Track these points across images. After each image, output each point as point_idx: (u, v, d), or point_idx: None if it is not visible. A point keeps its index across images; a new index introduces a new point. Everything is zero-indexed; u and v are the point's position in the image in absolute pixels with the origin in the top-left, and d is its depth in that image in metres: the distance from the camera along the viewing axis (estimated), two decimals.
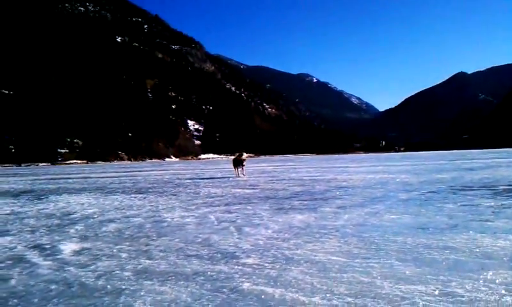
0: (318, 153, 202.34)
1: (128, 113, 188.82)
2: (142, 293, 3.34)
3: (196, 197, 11.14)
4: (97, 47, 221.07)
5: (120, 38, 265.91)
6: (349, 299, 3.00)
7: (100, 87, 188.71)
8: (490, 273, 3.50)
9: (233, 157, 21.54)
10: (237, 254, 4.57)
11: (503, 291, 3.05)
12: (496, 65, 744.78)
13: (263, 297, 3.13)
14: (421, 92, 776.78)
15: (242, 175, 19.73)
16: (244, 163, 19.81)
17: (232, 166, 21.23)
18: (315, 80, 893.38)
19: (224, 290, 3.33)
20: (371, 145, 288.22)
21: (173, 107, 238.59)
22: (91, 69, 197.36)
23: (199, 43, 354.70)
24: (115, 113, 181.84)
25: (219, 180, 19.32)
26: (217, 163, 74.74)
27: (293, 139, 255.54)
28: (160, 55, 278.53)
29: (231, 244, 5.05)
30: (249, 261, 4.24)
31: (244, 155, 19.97)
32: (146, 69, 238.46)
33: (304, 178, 18.26)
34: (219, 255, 4.54)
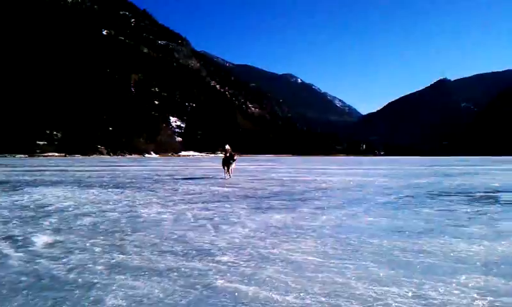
0: (300, 155, 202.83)
1: (110, 107, 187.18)
2: (114, 288, 3.29)
3: (174, 194, 11.07)
4: (82, 38, 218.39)
5: (106, 30, 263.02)
6: (323, 299, 2.98)
7: (83, 80, 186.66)
8: (463, 277, 3.52)
9: (222, 156, 18.52)
10: (212, 251, 4.54)
11: (475, 295, 3.07)
12: (479, 73, 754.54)
13: (236, 294, 3.10)
14: (403, 97, 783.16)
15: (228, 176, 17.57)
16: (233, 161, 17.65)
17: (221, 166, 18.33)
18: (299, 81, 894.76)
19: (197, 286, 3.30)
20: (352, 148, 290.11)
21: (156, 102, 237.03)
22: (75, 61, 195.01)
23: (185, 40, 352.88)
24: (97, 106, 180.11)
25: (198, 177, 19.26)
26: (198, 160, 74.57)
27: (275, 139, 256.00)
28: (146, 50, 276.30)
29: (207, 241, 5.02)
30: (225, 258, 4.21)
31: (231, 152, 17.68)
32: (131, 63, 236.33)
33: (285, 178, 18.29)
34: (194, 252, 4.50)
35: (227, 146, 17.88)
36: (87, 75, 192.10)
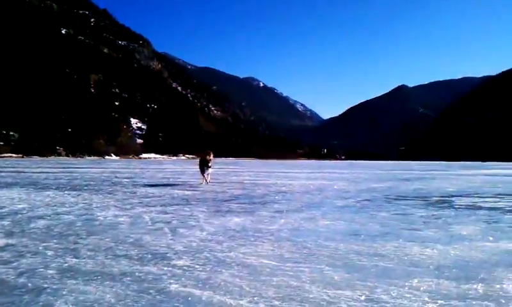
0: (261, 158, 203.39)
1: (69, 108, 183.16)
2: (64, 293, 3.20)
3: (132, 197, 10.92)
4: (40, 37, 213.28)
5: (64, 30, 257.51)
6: (276, 303, 2.99)
7: (41, 79, 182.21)
8: (415, 281, 3.58)
9: (199, 158, 16.89)
10: (168, 255, 4.48)
11: (426, 298, 3.13)
12: (437, 80, 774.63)
13: (190, 299, 3.07)
14: (363, 103, 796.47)
15: (205, 181, 15.87)
16: (210, 164, 15.83)
17: (199, 169, 16.40)
18: (261, 85, 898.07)
19: (150, 291, 3.25)
20: (313, 152, 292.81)
21: (116, 104, 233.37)
22: (33, 60, 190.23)
23: (146, 40, 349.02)
24: (55, 107, 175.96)
25: (158, 179, 19.08)
26: (159, 163, 73.82)
27: (237, 142, 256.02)
28: (106, 51, 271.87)
29: (163, 245, 4.95)
30: (180, 262, 4.17)
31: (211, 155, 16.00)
32: (90, 63, 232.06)
33: (245, 181, 18.31)
34: (149, 256, 4.44)
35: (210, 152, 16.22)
36: (45, 74, 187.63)
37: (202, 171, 15.96)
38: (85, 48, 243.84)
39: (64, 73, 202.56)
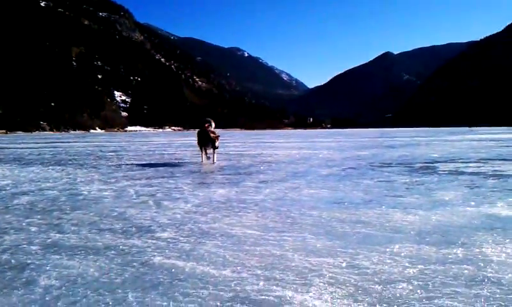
0: (247, 128, 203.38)
1: (52, 82, 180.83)
2: (48, 268, 3.20)
3: (117, 170, 10.88)
4: (19, 10, 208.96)
5: (44, 2, 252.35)
6: (259, 272, 3.01)
7: (22, 54, 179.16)
8: (397, 246, 3.63)
9: (197, 130, 12.86)
10: (152, 228, 4.49)
11: (406, 264, 3.18)
12: (421, 47, 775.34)
13: (173, 270, 3.09)
14: (349, 70, 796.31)
15: (209, 160, 12.58)
16: (217, 142, 11.90)
17: (197, 145, 13.00)
18: (246, 55, 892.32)
19: (134, 264, 3.26)
20: (300, 121, 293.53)
21: (99, 76, 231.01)
22: (12, 34, 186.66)
23: (128, 11, 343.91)
24: (37, 81, 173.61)
25: (143, 153, 19.01)
26: (145, 136, 73.50)
27: (223, 113, 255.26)
28: (86, 23, 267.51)
29: (147, 218, 4.96)
30: (164, 235, 4.18)
31: (213, 126, 12.51)
32: (71, 36, 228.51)
33: (231, 152, 18.30)
34: (133, 229, 4.44)
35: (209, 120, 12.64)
36: (26, 48, 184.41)
37: (203, 147, 12.53)
38: (65, 21, 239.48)
39: (45, 47, 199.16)
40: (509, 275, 2.91)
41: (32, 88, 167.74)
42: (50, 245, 3.88)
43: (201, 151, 12.71)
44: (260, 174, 9.69)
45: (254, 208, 5.48)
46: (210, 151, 12.48)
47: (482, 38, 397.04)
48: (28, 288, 2.81)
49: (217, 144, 11.92)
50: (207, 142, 12.19)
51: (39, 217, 5.13)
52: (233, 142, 32.41)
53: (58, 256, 3.50)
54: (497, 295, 2.56)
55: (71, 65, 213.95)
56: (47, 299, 2.61)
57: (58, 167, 11.91)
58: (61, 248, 3.76)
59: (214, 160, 12.35)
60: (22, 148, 25.44)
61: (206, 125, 12.23)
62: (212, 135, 11.86)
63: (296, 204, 5.73)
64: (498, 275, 2.91)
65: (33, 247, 3.79)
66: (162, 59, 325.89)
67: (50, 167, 12.16)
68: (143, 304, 2.50)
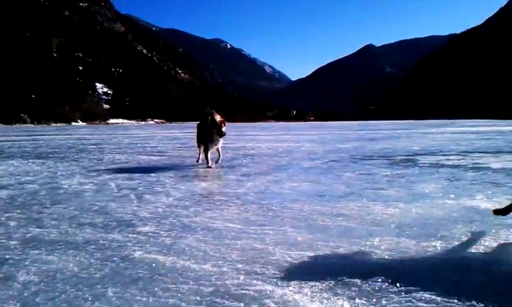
0: (230, 121, 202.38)
1: (32, 73, 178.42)
2: (27, 263, 3.16)
3: (98, 164, 10.81)
4: None
5: None
6: (240, 266, 3.02)
7: (1, 45, 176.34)
8: (377, 239, 3.65)
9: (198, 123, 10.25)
10: (133, 222, 4.47)
11: (386, 257, 3.20)
12: (403, 39, 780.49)
13: (153, 265, 3.08)
14: (331, 63, 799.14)
15: (211, 163, 9.45)
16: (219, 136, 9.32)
17: (196, 143, 10.46)
18: (229, 46, 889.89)
19: (114, 258, 3.24)
20: (282, 114, 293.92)
21: (80, 68, 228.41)
22: None
23: (108, 2, 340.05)
24: (17, 73, 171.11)
25: (125, 145, 18.88)
26: (127, 128, 73.00)
27: (205, 105, 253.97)
28: (67, 13, 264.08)
29: (128, 212, 4.93)
30: (145, 229, 4.16)
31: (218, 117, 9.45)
32: (51, 27, 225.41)
33: None
34: (114, 223, 4.41)
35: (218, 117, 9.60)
36: (5, 39, 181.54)
37: (207, 143, 9.55)
38: (45, 11, 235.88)
39: (25, 38, 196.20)
40: (488, 266, 2.96)
41: (13, 80, 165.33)
42: (30, 240, 3.83)
43: (203, 152, 9.73)
44: (243, 167, 9.71)
45: (236, 202, 5.50)
46: (213, 149, 9.62)
47: (464, 30, 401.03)
48: (6, 283, 2.77)
49: (224, 129, 9.24)
50: (209, 140, 9.39)
51: (18, 211, 5.07)
52: None
53: (37, 251, 3.46)
54: (478, 285, 2.61)
55: (51, 56, 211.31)
56: (25, 294, 2.58)
57: (39, 161, 11.77)
58: (41, 243, 3.72)
59: (220, 158, 9.97)
60: (1, 141, 25.11)
61: (209, 117, 9.44)
62: (219, 119, 9.34)
63: (277, 197, 5.75)
64: (477, 267, 2.95)
65: (12, 242, 3.75)
66: (144, 51, 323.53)
67: (31, 160, 12.01)
68: (122, 299, 2.49)
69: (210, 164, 9.36)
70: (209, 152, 9.49)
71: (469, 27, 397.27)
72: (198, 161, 10.24)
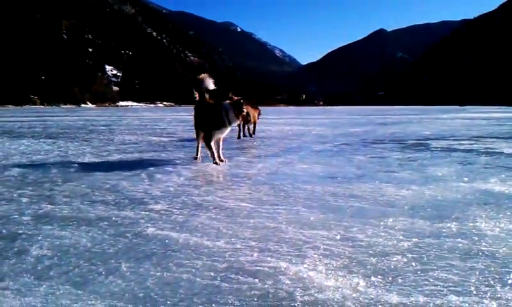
0: None
1: (42, 55, 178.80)
2: (39, 238, 3.17)
3: (109, 144, 10.81)
4: None
5: None
6: (253, 243, 3.00)
7: (12, 27, 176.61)
8: (390, 220, 3.62)
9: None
10: (145, 200, 4.46)
11: (400, 237, 3.17)
12: (415, 24, 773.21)
13: (167, 241, 3.07)
14: (342, 47, 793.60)
15: (222, 158, 7.21)
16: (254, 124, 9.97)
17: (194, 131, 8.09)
18: (239, 30, 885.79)
19: (127, 234, 3.23)
20: (292, 98, 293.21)
21: (90, 50, 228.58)
22: (1, 7, 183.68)
23: None
24: (28, 55, 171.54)
25: (135, 127, 18.89)
26: (136, 110, 73.13)
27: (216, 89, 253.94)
28: None
29: (140, 190, 4.92)
30: (157, 207, 4.15)
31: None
32: (61, 9, 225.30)
33: None
34: (126, 201, 4.40)
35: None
36: (16, 21, 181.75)
37: (207, 134, 7.04)
38: None
39: (35, 19, 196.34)
40: (503, 249, 2.92)
41: (23, 61, 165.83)
42: (42, 216, 3.84)
43: (205, 143, 7.10)
44: (253, 149, 9.69)
45: (247, 182, 5.47)
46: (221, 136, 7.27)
47: (476, 16, 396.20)
48: (20, 257, 2.78)
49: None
50: (219, 116, 6.95)
51: (30, 188, 5.07)
52: None
53: (50, 227, 3.46)
54: (492, 268, 2.57)
55: (61, 38, 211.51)
56: (38, 268, 2.58)
57: (49, 140, 11.82)
58: (53, 219, 3.72)
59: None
60: (12, 121, 25.24)
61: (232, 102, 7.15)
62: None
63: (289, 178, 5.72)
64: (492, 249, 2.91)
65: (24, 218, 3.75)
66: (154, 33, 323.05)
67: (41, 140, 12.06)
68: (136, 274, 2.48)
69: (221, 159, 7.13)
70: (213, 142, 7.01)
71: (482, 13, 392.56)
72: (196, 157, 7.72)
